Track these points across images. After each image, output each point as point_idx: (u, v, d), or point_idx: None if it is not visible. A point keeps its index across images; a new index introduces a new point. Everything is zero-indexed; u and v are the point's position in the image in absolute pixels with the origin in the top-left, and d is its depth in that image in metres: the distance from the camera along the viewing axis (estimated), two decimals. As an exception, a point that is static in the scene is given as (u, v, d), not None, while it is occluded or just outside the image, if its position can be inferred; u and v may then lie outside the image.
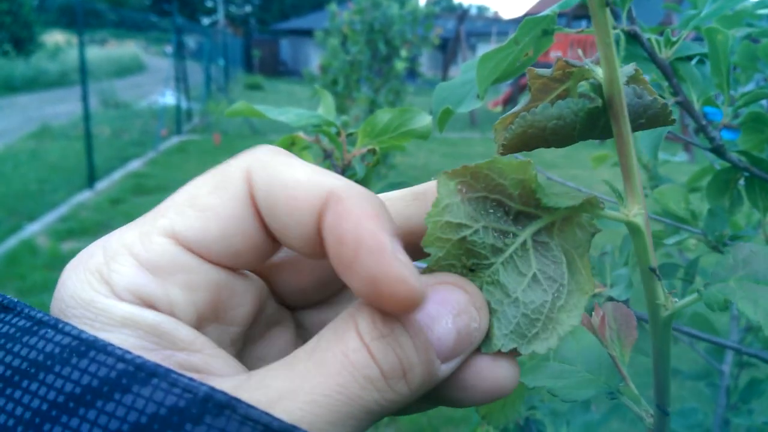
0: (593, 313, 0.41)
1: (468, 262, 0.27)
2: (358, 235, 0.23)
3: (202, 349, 0.25)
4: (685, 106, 0.46)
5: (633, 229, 0.29)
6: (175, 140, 7.81)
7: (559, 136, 0.29)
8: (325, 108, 0.62)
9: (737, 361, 1.09)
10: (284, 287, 0.30)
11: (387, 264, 0.23)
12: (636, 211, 0.29)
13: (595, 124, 0.29)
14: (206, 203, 0.25)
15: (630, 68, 0.30)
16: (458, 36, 10.15)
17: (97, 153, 5.59)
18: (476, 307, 0.26)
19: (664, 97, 0.47)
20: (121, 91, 10.29)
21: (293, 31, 21.36)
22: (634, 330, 0.41)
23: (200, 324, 0.25)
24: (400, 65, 4.98)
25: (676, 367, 1.30)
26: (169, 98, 8.41)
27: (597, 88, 0.29)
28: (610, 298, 0.51)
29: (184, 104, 8.74)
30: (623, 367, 0.41)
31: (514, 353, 0.27)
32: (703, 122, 0.46)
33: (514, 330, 0.26)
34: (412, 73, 6.22)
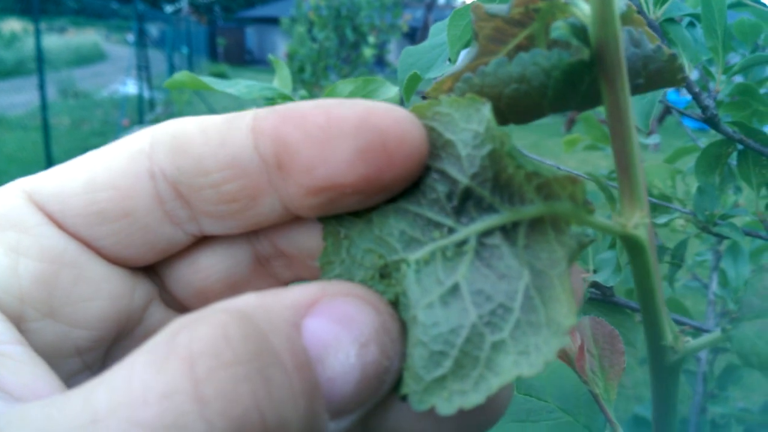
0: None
1: (380, 261, 0.19)
2: (320, 104, 0.18)
3: None
4: (677, 71, 0.42)
5: (632, 245, 0.21)
6: (137, 130, 7.61)
7: (522, 107, 0.20)
8: (281, 80, 0.56)
9: (713, 347, 1.07)
10: (179, 288, 0.22)
11: (373, 104, 0.18)
12: (637, 220, 0.20)
13: (576, 87, 0.20)
14: (89, 155, 0.20)
15: (621, 3, 0.21)
16: (426, 25, 10.10)
17: (55, 144, 5.43)
18: (390, 337, 0.17)
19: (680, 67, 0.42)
20: (81, 81, 9.99)
21: (259, 18, 21.04)
22: (621, 356, 0.31)
23: (24, 310, 0.18)
24: (368, 52, 4.91)
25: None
26: (130, 87, 8.22)
27: (580, 31, 0.19)
28: (595, 284, 0.47)
29: (146, 93, 8.54)
30: (609, 407, 0.31)
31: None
32: (696, 89, 0.42)
33: (408, 367, 0.18)
34: (381, 62, 6.16)
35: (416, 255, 0.19)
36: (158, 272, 0.23)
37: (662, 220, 0.46)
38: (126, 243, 0.20)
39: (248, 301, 0.16)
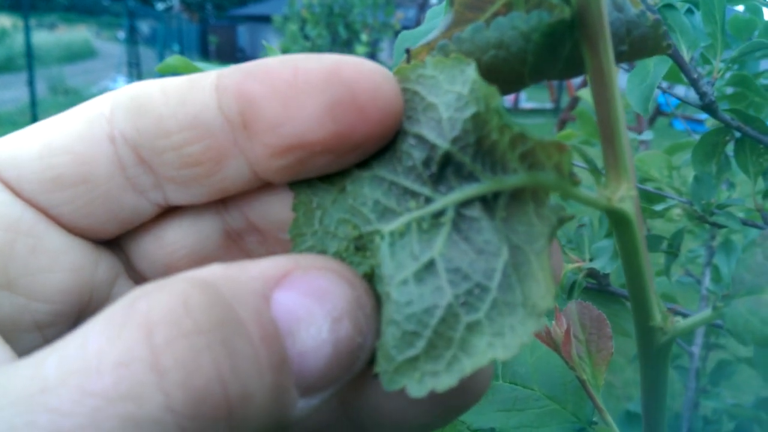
0: (554, 322, 0.31)
1: (354, 232, 0.18)
2: (287, 59, 0.17)
3: None
4: (675, 57, 0.41)
5: (619, 219, 0.20)
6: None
7: (501, 75, 0.19)
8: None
9: (704, 343, 1.07)
10: (145, 264, 0.22)
11: (346, 59, 0.17)
12: (623, 193, 0.19)
13: (557, 53, 0.19)
14: (45, 122, 0.19)
15: None
16: (418, 24, 10.14)
17: (44, 140, 5.40)
18: (365, 312, 0.17)
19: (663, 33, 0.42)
20: (71, 77, 9.94)
21: (251, 17, 20.99)
22: (609, 340, 0.30)
23: None
24: (360, 50, 4.91)
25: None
26: (121, 84, 8.19)
27: None
28: (591, 273, 0.46)
29: (137, 91, 8.51)
30: (597, 394, 0.30)
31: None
32: (694, 75, 0.41)
33: (381, 345, 0.17)
34: (373, 60, 6.17)
35: (390, 226, 0.18)
36: (123, 247, 0.22)
37: (659, 207, 0.45)
38: (86, 211, 0.19)
39: (214, 271, 0.15)
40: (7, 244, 0.18)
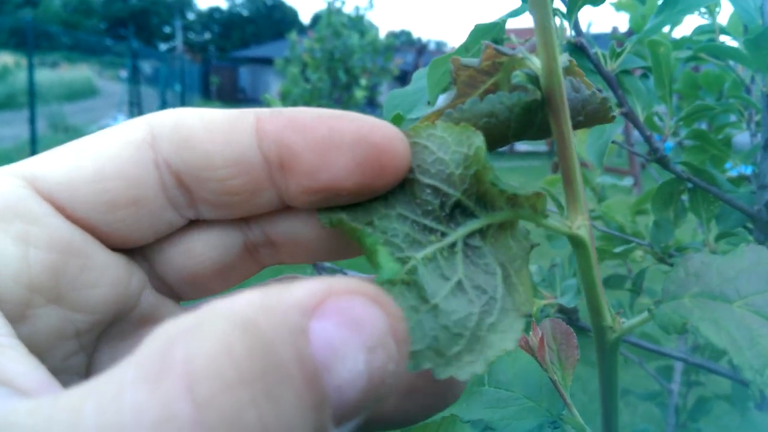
0: (531, 332, 0.37)
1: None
2: (322, 115, 0.21)
3: None
4: (631, 117, 0.47)
5: (576, 242, 0.26)
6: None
7: (492, 136, 0.25)
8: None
9: (685, 381, 1.11)
10: (170, 272, 0.24)
11: (365, 118, 0.21)
12: (579, 223, 0.26)
13: (532, 121, 0.25)
14: (85, 143, 0.21)
15: (564, 59, 0.26)
16: (417, 69, 10.35)
17: (44, 176, 5.40)
18: (397, 339, 0.17)
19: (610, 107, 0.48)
20: (72, 115, 10.04)
21: (253, 59, 21.38)
22: (575, 349, 0.37)
23: (32, 298, 0.19)
24: (359, 93, 5.02)
25: (626, 387, 1.32)
26: (121, 123, 8.27)
27: (533, 79, 0.25)
28: (560, 307, 0.51)
29: (138, 129, 8.57)
30: (566, 392, 0.37)
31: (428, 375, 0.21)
32: (648, 133, 0.47)
33: (430, 345, 0.22)
34: (372, 103, 6.29)
35: (421, 254, 0.23)
36: (147, 255, 0.24)
37: (621, 248, 0.50)
38: (133, 228, 0.22)
39: (252, 302, 0.15)
40: (60, 264, 0.20)
